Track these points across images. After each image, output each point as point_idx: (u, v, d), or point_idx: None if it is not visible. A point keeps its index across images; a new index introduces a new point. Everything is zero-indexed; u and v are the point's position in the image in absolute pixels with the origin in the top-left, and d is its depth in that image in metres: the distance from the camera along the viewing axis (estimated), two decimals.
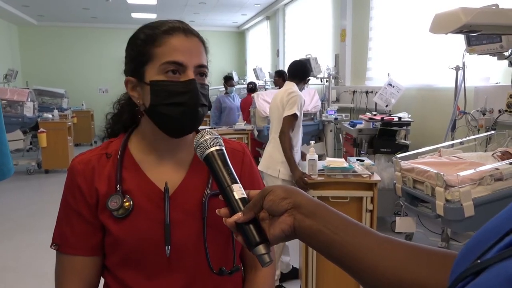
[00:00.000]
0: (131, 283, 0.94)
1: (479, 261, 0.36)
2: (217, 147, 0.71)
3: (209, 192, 0.97)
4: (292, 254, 3.22)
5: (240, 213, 0.63)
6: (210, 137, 0.72)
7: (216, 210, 0.67)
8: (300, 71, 3.18)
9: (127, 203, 0.91)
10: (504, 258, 0.33)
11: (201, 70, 0.93)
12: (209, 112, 7.36)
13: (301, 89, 3.14)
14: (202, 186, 0.98)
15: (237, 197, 0.65)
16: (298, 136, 3.09)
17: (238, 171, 1.04)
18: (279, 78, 6.52)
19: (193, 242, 0.94)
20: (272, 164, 3.05)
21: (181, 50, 0.89)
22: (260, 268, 1.07)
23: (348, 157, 3.10)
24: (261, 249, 0.61)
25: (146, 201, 0.93)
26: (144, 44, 0.92)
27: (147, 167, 0.97)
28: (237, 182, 0.67)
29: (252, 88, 7.19)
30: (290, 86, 3.12)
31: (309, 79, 3.20)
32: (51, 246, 0.97)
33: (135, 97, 0.95)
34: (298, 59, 3.71)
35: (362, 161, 2.83)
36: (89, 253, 0.95)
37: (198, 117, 0.93)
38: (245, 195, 0.66)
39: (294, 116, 2.93)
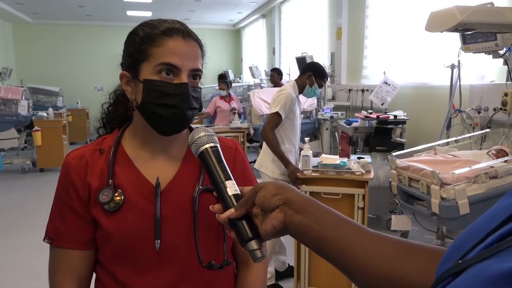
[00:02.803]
0: (122, 277, 0.95)
1: (460, 261, 0.36)
2: (212, 144, 0.72)
3: (200, 187, 0.98)
4: (288, 252, 3.23)
5: (232, 209, 0.63)
6: (205, 134, 0.73)
7: (210, 206, 0.67)
8: (309, 65, 3.18)
9: (118, 197, 0.93)
10: (483, 258, 0.33)
11: (196, 74, 0.95)
12: (204, 110, 7.37)
13: (300, 86, 3.05)
14: (194, 182, 0.99)
15: (230, 193, 0.66)
16: (293, 135, 3.06)
17: (231, 168, 1.05)
18: (278, 76, 6.54)
19: (184, 237, 0.96)
20: (264, 162, 3.05)
21: (178, 53, 0.91)
22: (252, 264, 1.09)
23: (351, 155, 3.12)
24: (253, 244, 0.62)
25: (138, 195, 0.95)
26: (141, 42, 0.93)
27: (140, 163, 0.99)
28: (230, 179, 0.68)
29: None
30: (289, 83, 3.11)
31: (311, 75, 3.05)
32: (44, 240, 0.98)
33: (128, 91, 0.97)
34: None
35: (363, 158, 2.83)
36: (82, 247, 0.97)
37: (186, 119, 0.95)
38: (238, 192, 0.67)
39: (277, 114, 2.89)
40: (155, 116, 0.93)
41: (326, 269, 2.68)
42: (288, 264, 3.24)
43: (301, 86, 3.08)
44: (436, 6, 2.47)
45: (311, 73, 3.07)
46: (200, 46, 0.97)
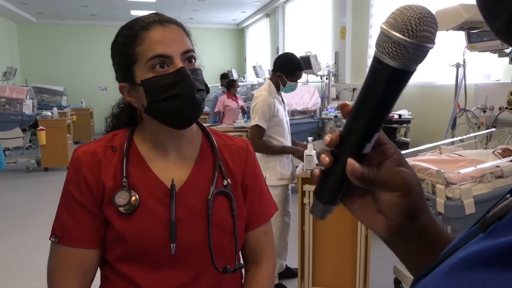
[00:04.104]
0: (133, 277, 0.93)
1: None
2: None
3: (214, 190, 0.96)
4: (292, 252, 3.22)
5: (358, 166, 0.44)
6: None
7: (327, 136, 0.47)
8: (277, 63, 2.93)
9: (133, 199, 0.91)
10: (446, 257, 0.34)
11: (188, 56, 0.91)
12: (207, 108, 7.38)
13: (276, 85, 2.89)
14: (207, 184, 0.97)
15: (366, 150, 0.45)
16: (283, 137, 2.95)
17: (242, 169, 1.04)
18: None
19: (198, 240, 0.94)
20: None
21: (162, 41, 0.88)
22: (261, 263, 1.08)
23: None
24: (320, 206, 0.48)
25: (152, 197, 0.93)
26: (125, 46, 0.91)
27: (153, 163, 0.97)
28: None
29: (229, 83, 6.87)
30: (264, 85, 2.95)
31: (280, 75, 2.86)
32: (50, 238, 0.95)
33: (133, 101, 0.95)
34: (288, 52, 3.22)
35: None
36: (92, 246, 0.94)
37: (196, 103, 0.91)
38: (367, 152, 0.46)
39: (258, 127, 2.77)
40: (165, 112, 0.90)
41: (330, 269, 2.67)
42: (286, 265, 3.22)
43: (276, 85, 2.91)
44: (440, 4, 2.45)
45: (280, 73, 2.87)
46: (182, 27, 0.94)
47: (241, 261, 1.08)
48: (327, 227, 2.66)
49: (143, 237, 0.91)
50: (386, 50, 0.41)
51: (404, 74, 0.43)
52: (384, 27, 0.41)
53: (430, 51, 0.43)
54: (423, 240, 0.48)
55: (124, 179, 0.92)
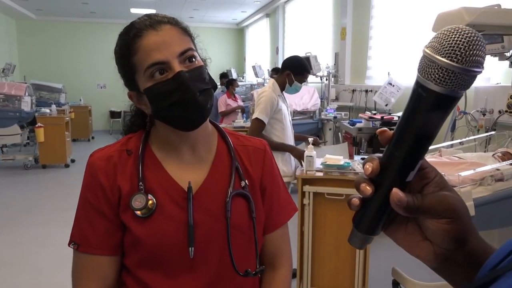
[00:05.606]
0: (150, 283, 0.91)
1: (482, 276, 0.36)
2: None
3: (232, 191, 0.94)
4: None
5: (403, 195, 0.42)
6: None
7: (368, 165, 0.45)
8: (288, 62, 3.04)
9: (150, 202, 0.89)
10: (508, 270, 0.32)
11: (187, 55, 0.88)
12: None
13: (280, 85, 2.96)
14: (224, 185, 0.95)
15: (409, 178, 0.45)
16: (285, 135, 3.00)
17: (260, 170, 1.02)
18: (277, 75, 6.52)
19: (216, 243, 0.92)
20: None
21: (156, 47, 0.85)
22: (278, 267, 1.07)
23: (354, 156, 3.10)
24: (359, 236, 0.47)
25: (169, 200, 0.91)
26: (122, 57, 0.90)
27: (169, 165, 0.95)
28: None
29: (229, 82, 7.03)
30: (268, 84, 3.03)
31: (289, 73, 2.94)
32: (69, 245, 0.94)
33: (143, 108, 0.94)
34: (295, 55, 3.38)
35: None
36: (109, 253, 0.92)
37: (200, 106, 0.88)
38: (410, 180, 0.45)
39: (258, 120, 2.82)
40: (171, 118, 0.89)
41: (329, 270, 2.67)
42: None
43: (281, 84, 2.98)
44: (441, 7, 2.45)
45: (289, 72, 2.96)
46: (177, 24, 0.91)
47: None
48: (327, 228, 2.66)
49: (161, 241, 0.89)
50: (432, 75, 0.39)
51: (451, 100, 0.41)
52: (428, 51, 0.39)
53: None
54: (475, 264, 0.45)
55: (140, 183, 0.90)
